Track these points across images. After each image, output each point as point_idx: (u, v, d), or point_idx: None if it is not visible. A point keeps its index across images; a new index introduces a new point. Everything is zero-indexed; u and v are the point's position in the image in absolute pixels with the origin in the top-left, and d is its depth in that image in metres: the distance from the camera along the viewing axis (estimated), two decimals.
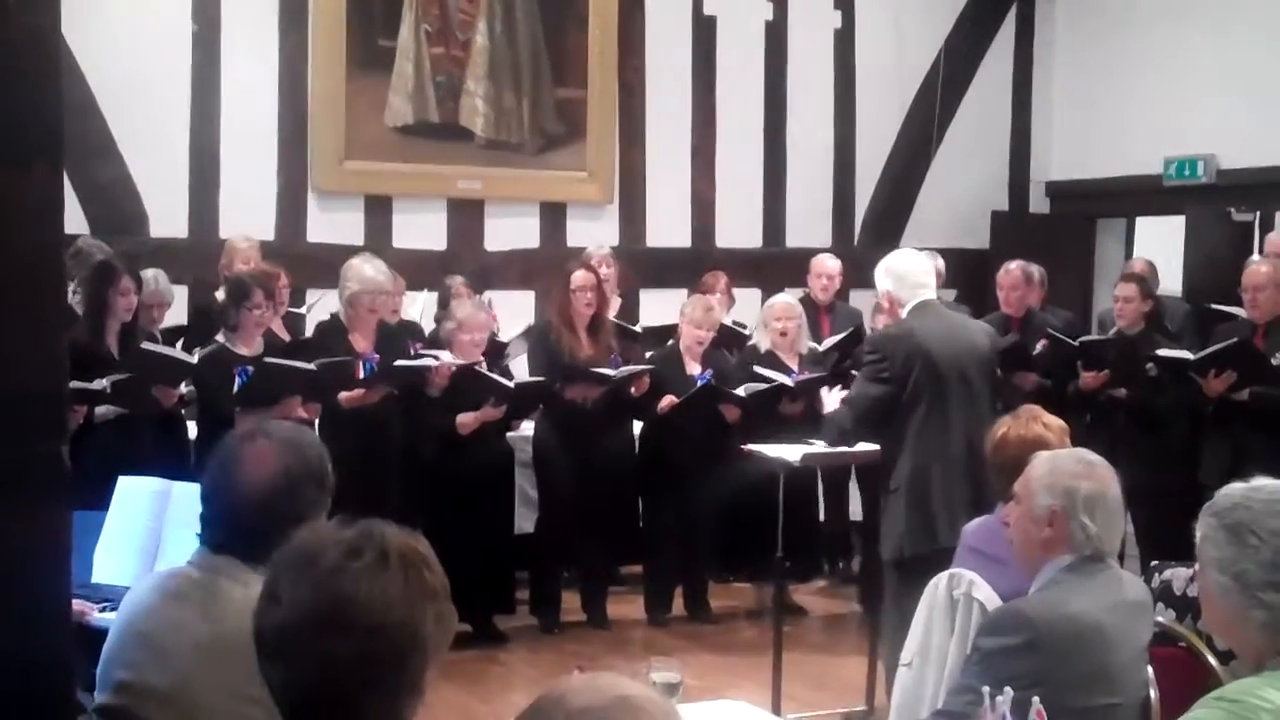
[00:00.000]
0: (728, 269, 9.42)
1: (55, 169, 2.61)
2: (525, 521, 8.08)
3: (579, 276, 7.87)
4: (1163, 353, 7.66)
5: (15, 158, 2.54)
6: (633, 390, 7.84)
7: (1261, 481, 2.72)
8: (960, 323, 6.14)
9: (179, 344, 7.59)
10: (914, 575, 5.64)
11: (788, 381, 7.83)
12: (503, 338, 8.36)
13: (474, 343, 7.57)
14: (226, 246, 8.44)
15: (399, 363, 7.24)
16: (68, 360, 2.70)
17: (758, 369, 7.93)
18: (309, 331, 7.93)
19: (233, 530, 2.86)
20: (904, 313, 5.92)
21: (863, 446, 6.96)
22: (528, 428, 8.06)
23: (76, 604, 4.09)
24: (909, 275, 5.94)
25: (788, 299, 8.49)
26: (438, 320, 8.40)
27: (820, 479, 8.67)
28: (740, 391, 7.79)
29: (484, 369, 7.54)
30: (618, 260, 9.01)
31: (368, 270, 7.39)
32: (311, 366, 6.87)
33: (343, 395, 7.10)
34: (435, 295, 8.88)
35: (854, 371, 7.84)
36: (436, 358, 7.42)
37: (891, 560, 5.96)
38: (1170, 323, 8.62)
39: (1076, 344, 8.05)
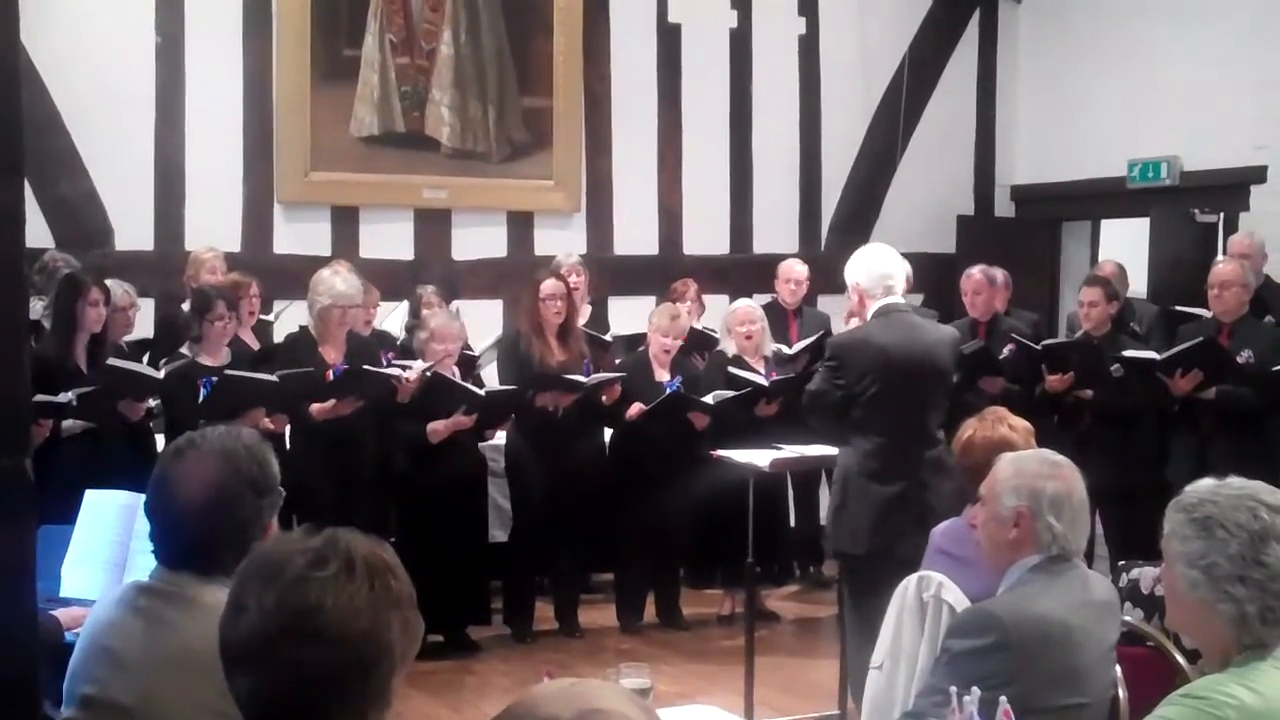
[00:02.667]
0: (695, 275, 9.43)
1: (16, 182, 2.60)
2: (497, 531, 8.08)
3: (548, 285, 7.87)
4: (1129, 353, 7.69)
5: None
6: (604, 399, 7.85)
7: (1229, 479, 2.74)
8: (923, 334, 5.99)
9: (145, 358, 7.56)
10: (862, 574, 5.73)
11: (764, 382, 7.87)
12: (471, 346, 8.34)
13: (447, 352, 7.56)
14: (191, 258, 8.41)
15: (365, 367, 7.20)
16: (29, 373, 2.69)
17: (733, 370, 7.95)
18: (277, 340, 7.92)
19: (179, 547, 2.85)
20: (870, 310, 5.89)
21: (832, 450, 7.00)
22: (500, 437, 8.05)
23: (79, 613, 4.06)
24: (878, 270, 5.88)
25: (748, 303, 8.52)
26: (409, 330, 8.39)
27: (790, 484, 8.69)
28: (709, 399, 7.81)
29: (456, 377, 7.53)
30: (586, 268, 9.00)
31: (339, 284, 7.35)
32: (274, 378, 6.85)
33: (314, 407, 7.08)
34: (408, 305, 8.87)
35: None
36: (406, 367, 7.40)
37: (837, 555, 6.07)
38: (1138, 324, 8.67)
39: (1039, 347, 8.08)
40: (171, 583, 2.85)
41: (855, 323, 7.28)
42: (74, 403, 6.38)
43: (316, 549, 2.08)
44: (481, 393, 7.56)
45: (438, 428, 7.40)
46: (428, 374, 7.36)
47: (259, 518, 2.85)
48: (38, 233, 8.11)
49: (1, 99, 2.59)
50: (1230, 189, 9.59)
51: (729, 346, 8.24)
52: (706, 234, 10.57)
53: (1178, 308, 8.53)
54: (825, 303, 9.87)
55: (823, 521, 8.95)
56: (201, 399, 6.76)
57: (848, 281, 6.00)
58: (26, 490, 2.55)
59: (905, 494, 5.73)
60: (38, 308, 6.73)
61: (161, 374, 6.87)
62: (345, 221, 9.60)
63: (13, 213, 2.62)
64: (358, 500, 7.06)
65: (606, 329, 9.08)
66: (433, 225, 9.84)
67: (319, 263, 8.09)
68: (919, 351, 5.84)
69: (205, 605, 2.68)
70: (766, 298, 9.26)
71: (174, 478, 2.86)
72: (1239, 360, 7.42)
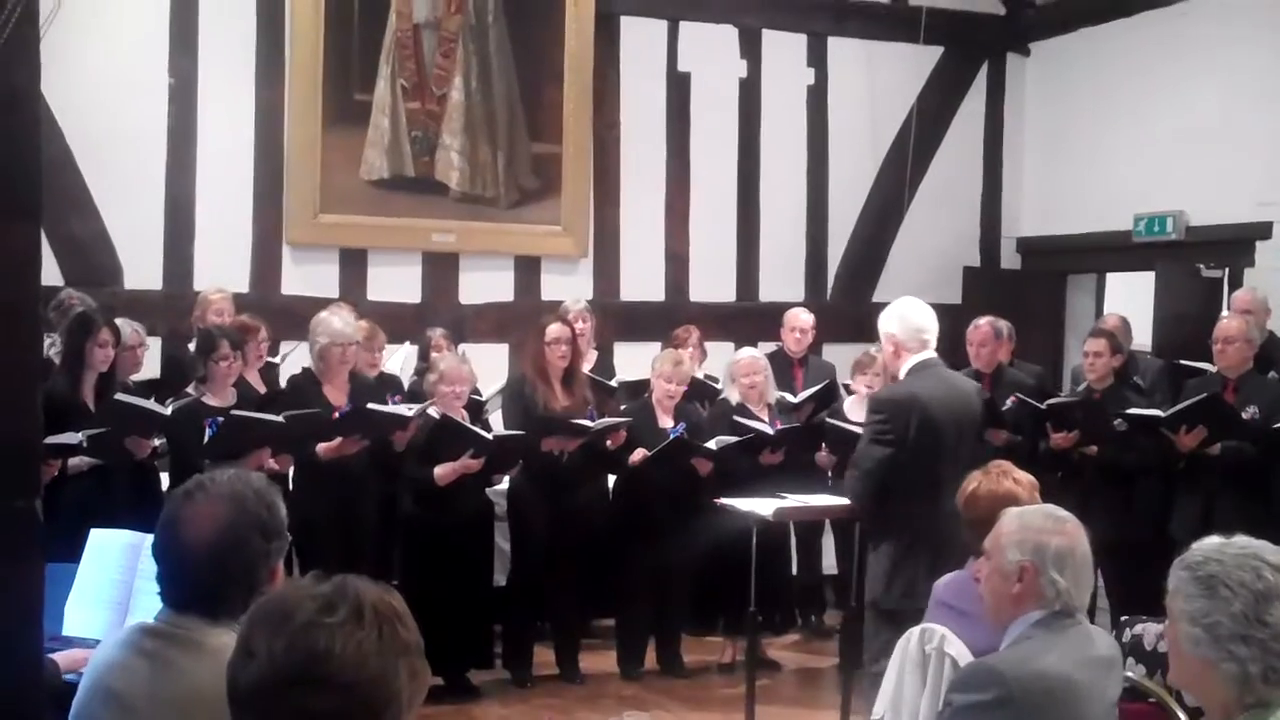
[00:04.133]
0: (701, 323, 9.46)
1: (34, 224, 2.63)
2: (500, 575, 8.06)
3: (553, 329, 7.88)
4: (1133, 411, 7.69)
5: None
6: (609, 443, 7.85)
7: (1234, 537, 2.74)
8: (958, 385, 6.07)
9: (153, 396, 7.56)
10: (893, 626, 5.66)
11: (769, 430, 7.88)
12: (479, 391, 8.33)
13: (455, 395, 7.56)
14: (199, 298, 8.44)
15: (371, 405, 7.21)
16: (41, 415, 2.70)
17: (738, 419, 7.96)
18: (283, 381, 7.93)
19: (186, 589, 2.85)
20: (905, 365, 5.89)
21: (835, 500, 7.00)
22: (504, 481, 8.04)
23: (80, 656, 4.05)
24: (914, 323, 5.90)
25: (752, 353, 8.52)
26: (418, 373, 8.39)
27: (793, 532, 8.68)
28: (712, 445, 7.81)
29: (465, 421, 7.54)
30: (593, 313, 9.02)
31: (336, 323, 7.38)
32: (280, 419, 6.86)
33: (320, 447, 7.09)
34: (416, 349, 8.88)
35: (830, 421, 7.91)
36: (410, 407, 7.40)
37: (870, 603, 5.97)
38: (1142, 378, 8.67)
39: (1044, 406, 8.05)
40: (178, 625, 2.85)
41: (865, 381, 7.35)
42: (84, 444, 6.39)
43: (326, 595, 2.08)
44: (489, 436, 7.56)
45: (444, 472, 7.40)
46: (431, 413, 7.36)
47: (266, 561, 2.85)
48: (48, 271, 8.09)
49: (21, 143, 2.62)
50: (1235, 244, 9.61)
51: (732, 395, 8.24)
52: (713, 281, 10.62)
53: (1183, 362, 8.53)
54: (831, 352, 9.89)
55: (827, 570, 8.98)
56: (207, 439, 6.77)
57: (882, 332, 6.00)
58: (37, 532, 2.56)
59: (954, 546, 5.70)
60: (45, 344, 6.75)
61: (169, 411, 6.88)
62: (353, 264, 9.64)
63: (30, 256, 2.64)
64: (362, 542, 7.06)
65: (612, 375, 9.09)
66: (441, 269, 9.89)
67: (327, 305, 8.11)
68: (958, 405, 5.89)
69: (212, 648, 2.69)
70: (772, 346, 9.29)
71: (183, 520, 2.87)
72: (1243, 416, 7.41)
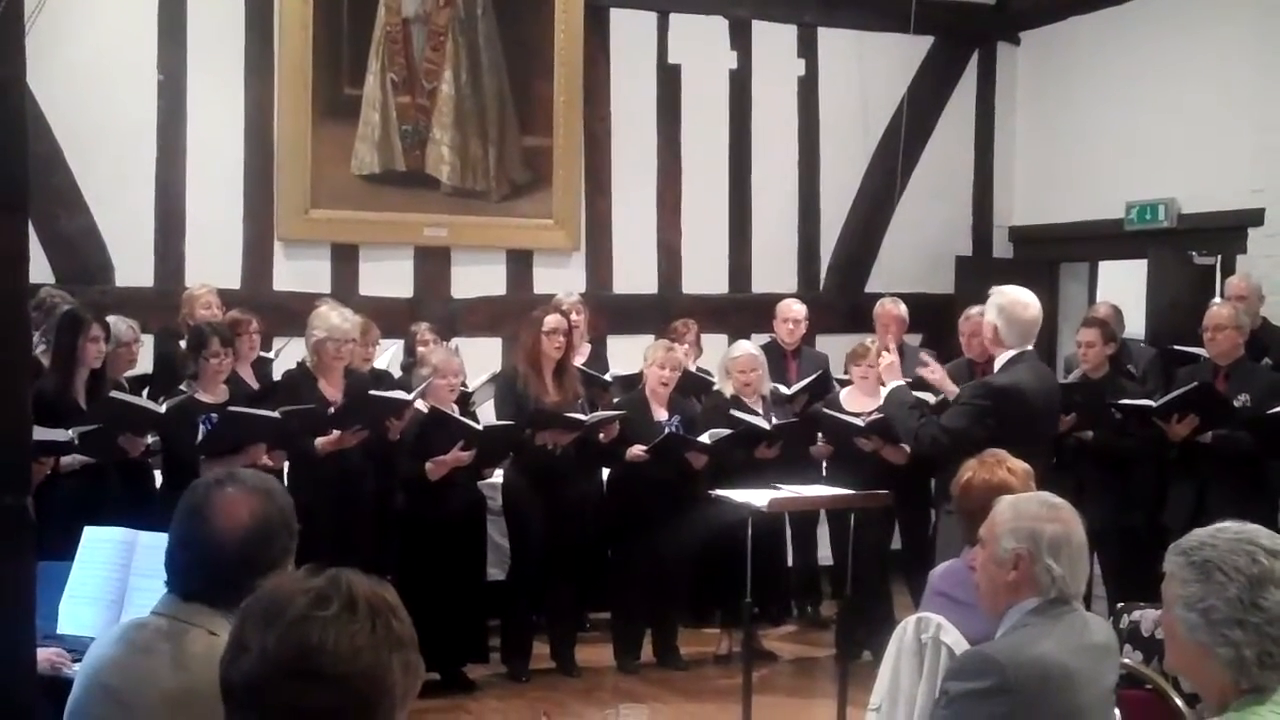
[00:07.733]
0: (694, 315, 9.44)
1: (21, 219, 2.61)
2: (495, 569, 8.05)
3: (552, 319, 7.86)
4: (1125, 401, 7.69)
5: None
6: (601, 436, 7.84)
7: (1228, 523, 2.74)
8: (1048, 377, 6.36)
9: (144, 394, 7.55)
10: None
11: (765, 425, 7.87)
12: (469, 384, 8.34)
13: (449, 387, 7.56)
14: (185, 295, 8.43)
15: (371, 393, 7.20)
16: (31, 411, 2.68)
17: (735, 413, 7.95)
18: (276, 377, 7.92)
19: (206, 578, 2.83)
20: (1005, 355, 6.08)
21: (831, 491, 7.00)
22: (497, 475, 8.03)
23: (51, 654, 4.05)
24: (1022, 322, 6.08)
25: (749, 348, 8.49)
26: (404, 368, 8.38)
27: (789, 523, 8.68)
28: (705, 438, 7.80)
29: (455, 413, 7.53)
30: (585, 307, 9.01)
31: (334, 318, 7.37)
32: (276, 415, 6.85)
33: (319, 440, 7.08)
34: (403, 343, 8.87)
35: (825, 411, 7.88)
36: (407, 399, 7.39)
37: None
38: (1134, 366, 8.66)
39: None
40: (180, 616, 2.82)
41: (871, 362, 7.36)
42: (75, 441, 6.36)
43: (319, 589, 2.07)
44: (479, 428, 7.55)
45: (436, 464, 7.38)
46: (421, 406, 7.35)
47: (285, 558, 2.85)
48: (38, 268, 8.13)
49: (7, 137, 2.60)
50: (1228, 231, 9.61)
51: (726, 388, 8.23)
52: (705, 273, 10.61)
53: (1176, 348, 8.53)
54: (824, 342, 9.88)
55: (823, 561, 8.98)
56: (202, 435, 6.75)
57: (986, 317, 6.20)
58: (28, 529, 2.55)
59: None
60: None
61: (163, 409, 6.87)
62: (345, 259, 9.63)
63: (17, 250, 2.62)
64: (357, 537, 7.04)
65: (605, 368, 9.06)
66: (432, 263, 9.87)
67: (318, 300, 8.09)
68: (1050, 396, 6.19)
69: (209, 643, 2.67)
70: (765, 337, 9.28)
71: (213, 508, 2.84)
72: (1235, 404, 7.41)
